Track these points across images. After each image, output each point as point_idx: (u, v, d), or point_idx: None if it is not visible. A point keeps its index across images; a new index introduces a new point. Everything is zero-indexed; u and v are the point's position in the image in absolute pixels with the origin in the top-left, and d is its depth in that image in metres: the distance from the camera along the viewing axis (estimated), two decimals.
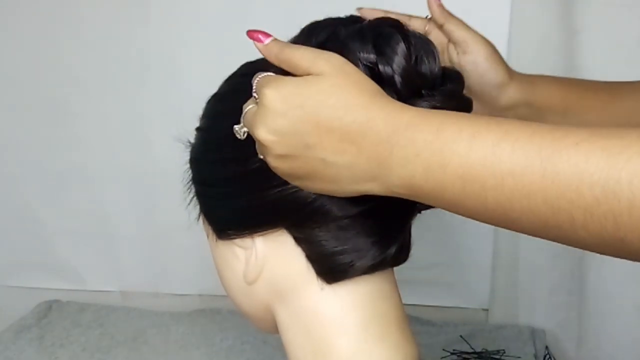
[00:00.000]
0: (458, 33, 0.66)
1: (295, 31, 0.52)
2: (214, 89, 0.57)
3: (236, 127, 0.48)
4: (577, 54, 1.04)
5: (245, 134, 0.48)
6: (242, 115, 0.47)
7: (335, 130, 0.42)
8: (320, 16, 0.53)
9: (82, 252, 1.34)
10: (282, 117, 0.43)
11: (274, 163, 0.46)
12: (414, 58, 0.48)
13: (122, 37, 1.19)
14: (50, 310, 1.32)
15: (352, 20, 0.52)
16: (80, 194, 1.30)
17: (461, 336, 1.15)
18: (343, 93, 0.43)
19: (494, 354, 1.10)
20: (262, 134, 0.44)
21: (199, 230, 0.59)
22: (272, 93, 0.44)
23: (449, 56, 0.67)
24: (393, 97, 0.46)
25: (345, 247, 0.50)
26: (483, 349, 1.12)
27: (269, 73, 0.46)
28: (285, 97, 0.44)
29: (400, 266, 0.55)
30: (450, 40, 0.67)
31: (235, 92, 0.54)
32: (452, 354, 1.11)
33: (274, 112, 0.44)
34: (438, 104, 0.47)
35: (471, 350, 1.11)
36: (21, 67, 1.25)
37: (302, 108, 0.43)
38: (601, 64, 1.03)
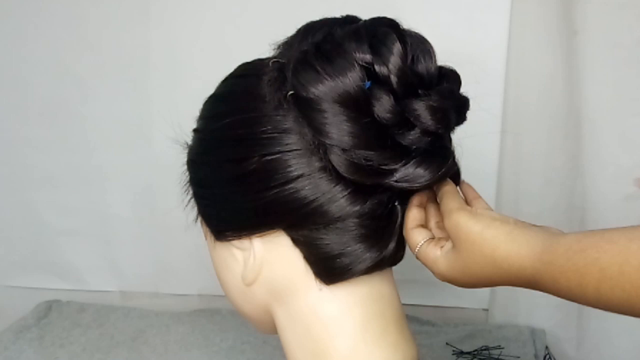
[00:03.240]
0: None
1: (291, 31, 0.52)
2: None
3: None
4: (577, 54, 1.04)
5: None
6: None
7: None
8: (316, 16, 0.53)
9: (82, 252, 1.34)
10: None
11: None
12: (410, 57, 0.48)
13: (123, 38, 1.19)
14: (50, 310, 1.32)
15: (348, 20, 0.52)
16: (81, 194, 1.30)
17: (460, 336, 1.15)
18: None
19: (493, 349, 1.11)
20: None
21: (198, 230, 0.59)
22: None
23: None
24: (389, 97, 0.46)
25: (343, 248, 0.50)
26: (483, 346, 1.12)
27: None
28: None
29: (401, 266, 0.55)
30: None
31: (232, 93, 0.54)
32: (452, 353, 1.11)
33: None
34: (434, 104, 0.47)
35: (471, 350, 1.11)
36: (22, 68, 1.25)
37: None
38: (601, 64, 1.03)
